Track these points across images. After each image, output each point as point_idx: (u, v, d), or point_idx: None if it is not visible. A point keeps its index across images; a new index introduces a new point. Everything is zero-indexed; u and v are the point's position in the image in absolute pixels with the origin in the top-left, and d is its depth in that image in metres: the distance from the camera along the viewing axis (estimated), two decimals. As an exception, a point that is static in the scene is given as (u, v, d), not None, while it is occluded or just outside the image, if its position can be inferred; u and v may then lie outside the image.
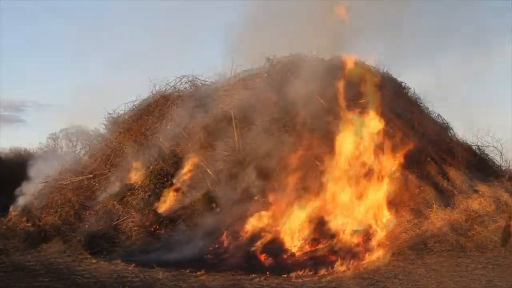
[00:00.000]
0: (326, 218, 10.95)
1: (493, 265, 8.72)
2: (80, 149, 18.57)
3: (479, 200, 11.25)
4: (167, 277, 8.21)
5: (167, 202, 12.51)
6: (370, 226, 10.69)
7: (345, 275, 8.25)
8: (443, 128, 15.95)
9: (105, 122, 18.08)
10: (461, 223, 10.53)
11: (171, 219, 12.06)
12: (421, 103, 16.67)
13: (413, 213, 10.96)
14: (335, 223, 10.82)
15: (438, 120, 16.33)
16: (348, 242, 10.35)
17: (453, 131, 16.02)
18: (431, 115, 16.33)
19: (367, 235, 10.54)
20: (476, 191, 11.71)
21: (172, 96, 16.52)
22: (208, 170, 12.80)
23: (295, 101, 13.44)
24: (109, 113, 17.84)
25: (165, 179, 13.29)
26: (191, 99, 15.82)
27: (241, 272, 8.44)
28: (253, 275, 8.23)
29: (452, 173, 12.43)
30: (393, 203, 10.96)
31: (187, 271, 8.56)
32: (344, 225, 10.75)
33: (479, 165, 14.26)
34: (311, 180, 11.54)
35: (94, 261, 9.78)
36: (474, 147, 15.19)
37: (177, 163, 13.56)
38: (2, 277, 8.44)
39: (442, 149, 13.62)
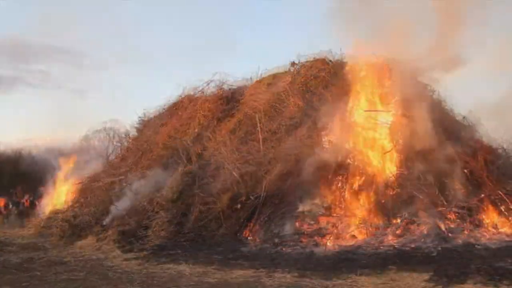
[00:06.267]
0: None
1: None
2: (112, 150, 19.32)
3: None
4: (193, 273, 8.65)
5: (194, 203, 12.95)
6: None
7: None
8: (467, 130, 15.85)
9: (135, 125, 18.84)
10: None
11: (198, 219, 12.50)
12: (445, 105, 16.62)
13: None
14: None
15: (463, 122, 16.24)
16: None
17: (478, 133, 15.89)
18: (456, 117, 16.26)
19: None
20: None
21: (199, 100, 17.03)
22: (234, 172, 13.20)
23: (319, 104, 13.76)
24: (140, 116, 18.60)
25: (192, 180, 13.76)
26: (218, 103, 16.31)
27: (262, 269, 8.76)
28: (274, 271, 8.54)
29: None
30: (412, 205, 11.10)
31: (213, 268, 8.97)
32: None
33: (504, 167, 14.15)
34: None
35: (125, 257, 10.34)
36: (500, 150, 15.03)
37: (204, 165, 14.02)
38: (41, 271, 9.08)
39: (465, 151, 13.61)
